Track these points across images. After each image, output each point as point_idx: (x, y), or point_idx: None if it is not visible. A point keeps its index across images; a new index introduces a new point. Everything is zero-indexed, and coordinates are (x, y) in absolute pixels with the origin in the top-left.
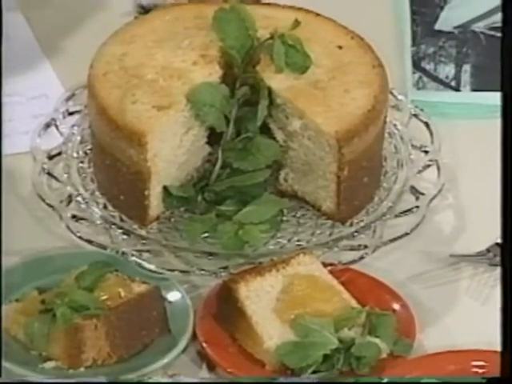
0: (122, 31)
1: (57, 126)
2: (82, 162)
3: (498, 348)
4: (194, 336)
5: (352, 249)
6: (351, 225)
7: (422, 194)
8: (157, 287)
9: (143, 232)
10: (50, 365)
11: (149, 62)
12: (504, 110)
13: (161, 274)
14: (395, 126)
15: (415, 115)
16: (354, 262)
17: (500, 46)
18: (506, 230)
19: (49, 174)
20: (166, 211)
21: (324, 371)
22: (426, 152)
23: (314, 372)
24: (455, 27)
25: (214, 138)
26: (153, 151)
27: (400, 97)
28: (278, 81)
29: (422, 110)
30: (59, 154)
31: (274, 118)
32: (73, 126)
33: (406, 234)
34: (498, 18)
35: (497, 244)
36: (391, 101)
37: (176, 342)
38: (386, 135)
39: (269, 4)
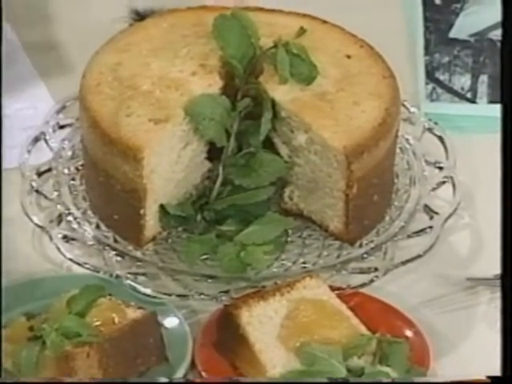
0: (115, 39)
1: (46, 141)
2: (73, 179)
3: None
4: (193, 365)
5: (361, 271)
6: (360, 246)
7: (437, 213)
8: (153, 313)
9: (138, 253)
10: None
11: (144, 72)
12: (504, 123)
13: (157, 298)
14: (407, 140)
15: (429, 129)
16: (363, 285)
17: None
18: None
19: (38, 191)
20: (162, 231)
21: None
22: (441, 168)
23: None
24: (471, 35)
25: (214, 153)
26: (149, 167)
27: (412, 109)
28: (282, 92)
29: (436, 123)
30: (49, 170)
31: (278, 131)
32: (63, 140)
33: (419, 255)
34: None
35: None
36: (403, 114)
37: (174, 370)
38: (398, 150)
39: (272, 10)
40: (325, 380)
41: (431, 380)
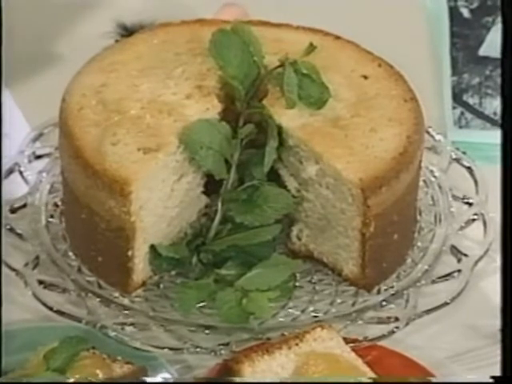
0: (100, 57)
1: (21, 172)
2: (51, 216)
3: None
4: None
5: (380, 322)
6: (379, 292)
7: (465, 255)
8: (143, 368)
9: (126, 301)
10: None
11: (133, 95)
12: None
13: (147, 352)
14: (432, 172)
15: (456, 159)
16: (382, 337)
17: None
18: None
19: (11, 230)
20: (153, 276)
21: None
22: (470, 204)
23: None
24: None
25: (212, 186)
26: (138, 203)
27: (438, 137)
28: (289, 118)
29: (464, 152)
30: (24, 206)
31: (284, 162)
32: (40, 172)
33: (446, 303)
34: None
35: None
36: (427, 142)
37: None
38: (422, 184)
39: (279, 25)
40: (324, 379)
41: (432, 380)
